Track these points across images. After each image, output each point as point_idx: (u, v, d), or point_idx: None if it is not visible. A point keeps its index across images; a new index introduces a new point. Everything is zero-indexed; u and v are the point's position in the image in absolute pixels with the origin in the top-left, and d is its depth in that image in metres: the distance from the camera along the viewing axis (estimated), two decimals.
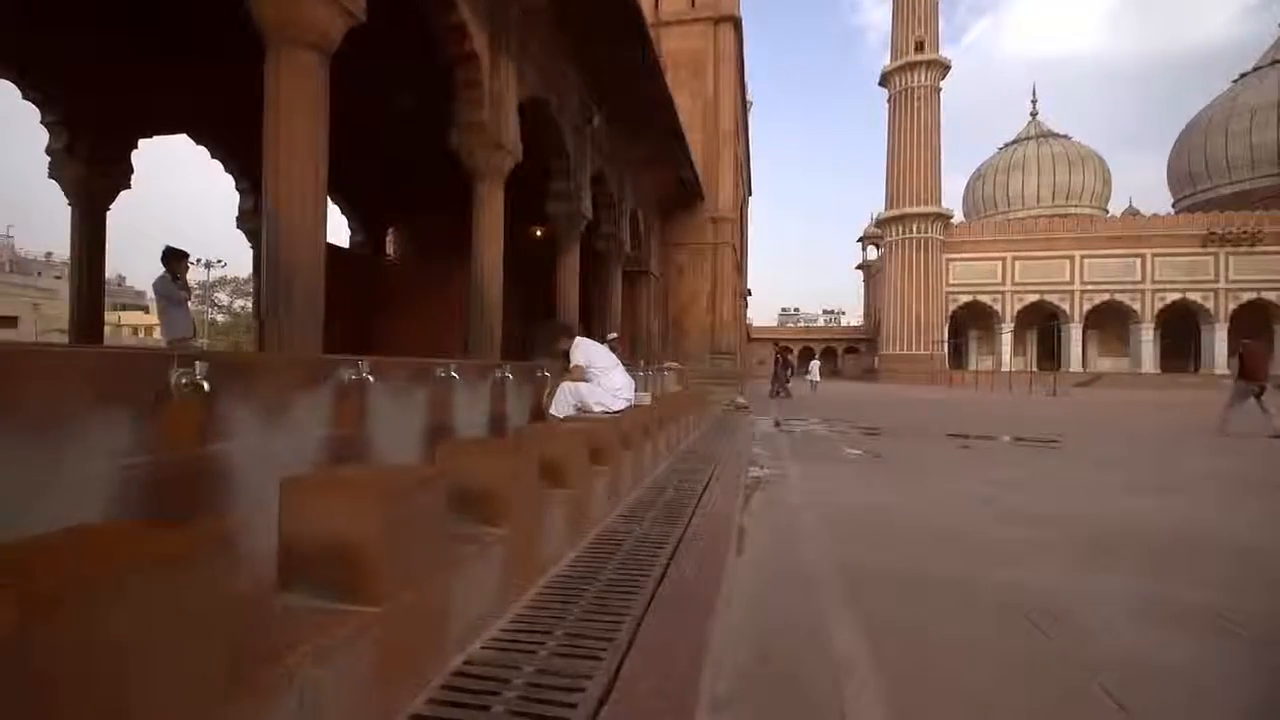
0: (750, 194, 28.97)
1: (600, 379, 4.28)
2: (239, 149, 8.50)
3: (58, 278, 51.68)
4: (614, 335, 9.27)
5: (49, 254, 59.36)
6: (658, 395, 8.45)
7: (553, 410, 4.11)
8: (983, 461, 6.71)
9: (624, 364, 9.16)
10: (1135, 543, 3.48)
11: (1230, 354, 41.13)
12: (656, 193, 12.71)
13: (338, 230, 12.31)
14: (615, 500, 3.54)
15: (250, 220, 9.03)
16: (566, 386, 4.16)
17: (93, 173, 6.78)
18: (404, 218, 12.28)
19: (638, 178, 11.40)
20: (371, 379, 2.43)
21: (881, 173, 47.32)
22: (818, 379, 25.00)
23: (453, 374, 3.11)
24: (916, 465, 6.36)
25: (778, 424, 10.75)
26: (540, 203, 8.02)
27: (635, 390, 4.69)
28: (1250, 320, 39.30)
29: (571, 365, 4.29)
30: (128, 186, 7.01)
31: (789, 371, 20.03)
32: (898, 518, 4.07)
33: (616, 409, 4.21)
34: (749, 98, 26.52)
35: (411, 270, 11.59)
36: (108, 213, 6.87)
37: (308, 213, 3.17)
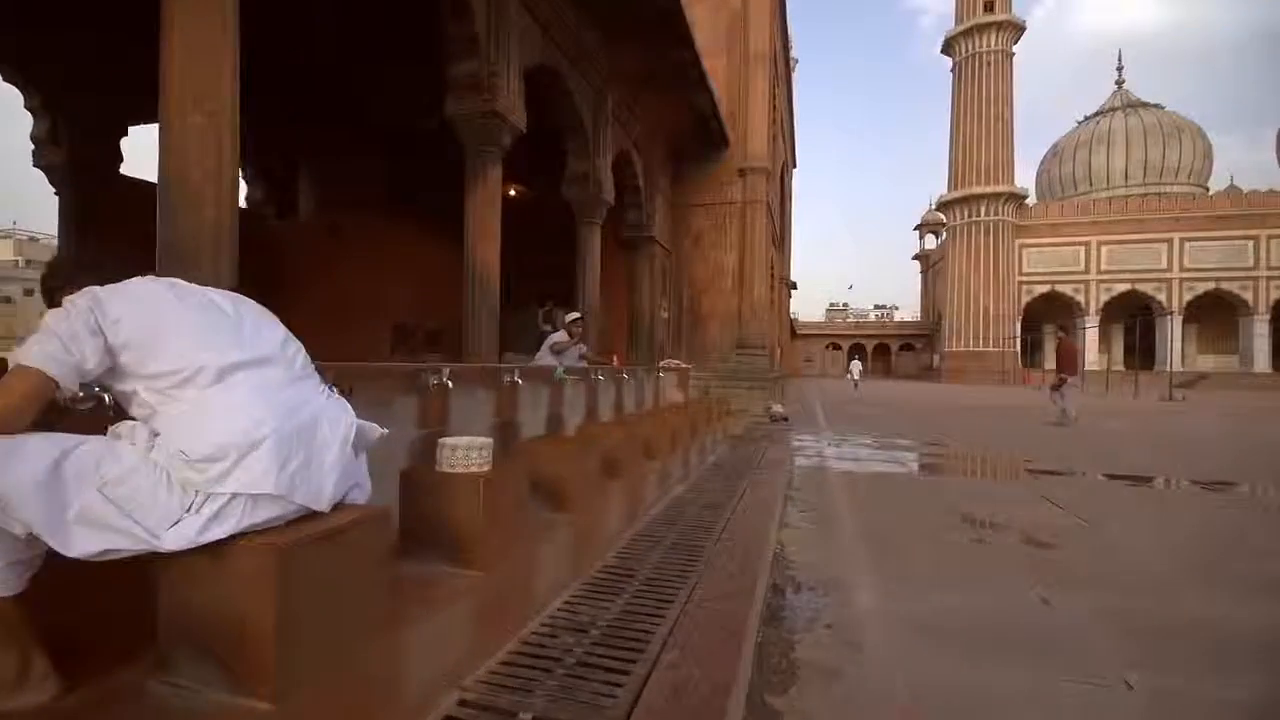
0: (795, 165, 25.34)
1: (165, 413, 1.16)
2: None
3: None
4: (575, 316, 6.15)
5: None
6: (643, 409, 5.24)
7: None
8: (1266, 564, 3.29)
9: (583, 360, 5.98)
10: None
11: None
12: (663, 131, 9.49)
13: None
14: None
15: (51, 154, 6.25)
16: None
17: None
18: (320, 163, 9.36)
19: (632, 104, 8.22)
20: None
21: (939, 159, 42.72)
22: (859, 378, 22.07)
23: None
24: (1137, 577, 3.00)
25: (830, 444, 7.40)
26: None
27: (366, 433, 1.50)
28: None
29: (13, 364, 1.21)
30: None
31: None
32: None
33: (178, 543, 1.14)
34: (793, 54, 22.91)
35: (328, 235, 8.72)
36: None
37: None
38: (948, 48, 42.19)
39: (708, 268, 10.57)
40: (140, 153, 7.26)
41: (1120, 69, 49.45)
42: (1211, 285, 37.52)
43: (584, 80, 6.76)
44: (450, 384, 2.80)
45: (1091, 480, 5.65)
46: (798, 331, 49.17)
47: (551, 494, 2.46)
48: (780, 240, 16.81)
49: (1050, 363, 40.05)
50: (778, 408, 10.08)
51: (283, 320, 1.48)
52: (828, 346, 57.84)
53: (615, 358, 7.16)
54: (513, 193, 10.97)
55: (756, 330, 10.67)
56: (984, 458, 7.07)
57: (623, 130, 8.08)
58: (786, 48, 17.75)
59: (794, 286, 32.57)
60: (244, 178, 8.60)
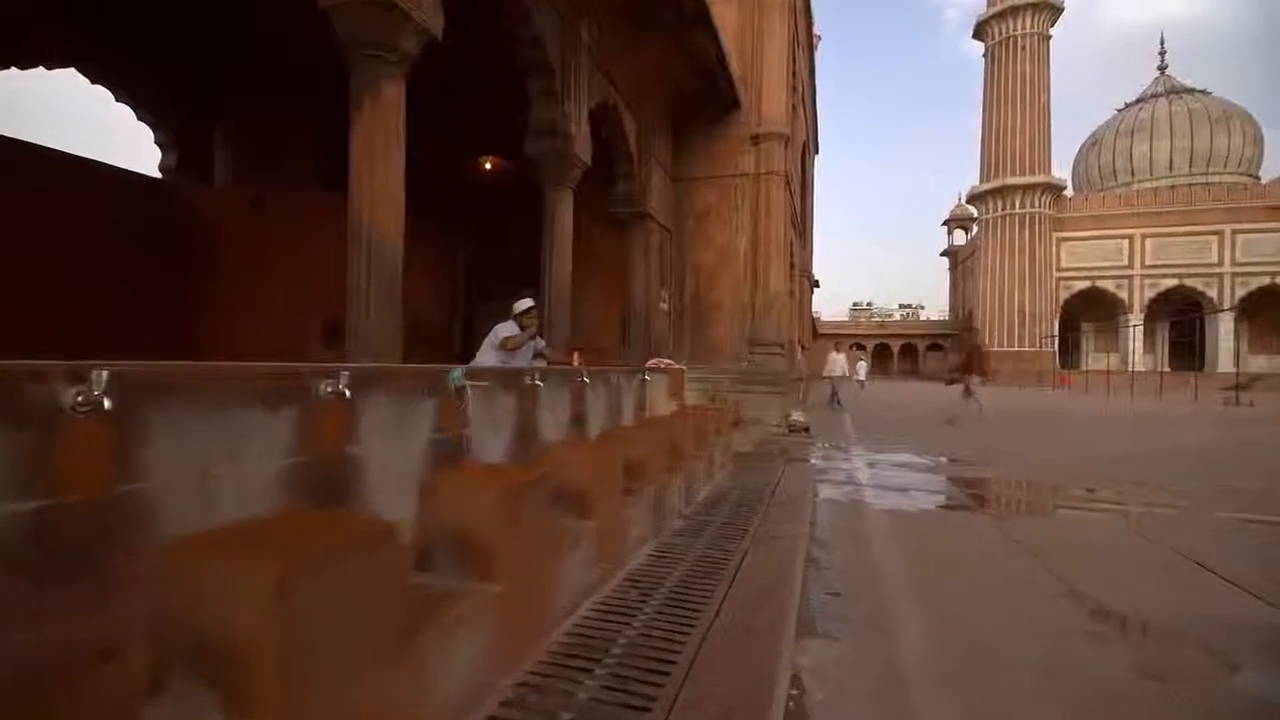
0: (817, 151, 23.63)
1: None
2: None
3: None
4: (528, 304, 4.71)
5: None
6: (612, 428, 3.77)
7: None
8: None
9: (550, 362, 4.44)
10: None
11: None
12: (659, 86, 8.00)
13: (118, 143, 8.05)
14: None
15: None
16: None
17: None
18: (244, 118, 7.96)
19: (618, 47, 6.75)
20: None
21: (970, 155, 40.59)
22: (864, 379, 20.68)
23: None
24: None
25: (862, 463, 5.84)
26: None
27: None
28: None
29: None
30: None
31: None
32: None
33: None
34: (815, 30, 21.23)
35: (254, 208, 7.35)
36: None
37: None
38: (979, 32, 40.11)
39: (715, 251, 9.04)
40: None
41: (1163, 53, 46.76)
42: (1267, 280, 34.96)
43: (548, 4, 5.31)
44: (108, 403, 1.35)
45: (1216, 518, 4.07)
46: (820, 331, 47.24)
47: (229, 677, 1.00)
48: (801, 227, 15.20)
49: (1086, 364, 37.61)
50: (798, 416, 8.53)
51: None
52: (852, 347, 55.66)
53: (576, 355, 5.71)
54: (489, 165, 9.59)
55: (773, 325, 9.12)
56: (1060, 485, 5.47)
57: (605, 78, 6.61)
58: (809, 9, 16.11)
59: (816, 284, 30.82)
60: (155, 142, 7.30)
